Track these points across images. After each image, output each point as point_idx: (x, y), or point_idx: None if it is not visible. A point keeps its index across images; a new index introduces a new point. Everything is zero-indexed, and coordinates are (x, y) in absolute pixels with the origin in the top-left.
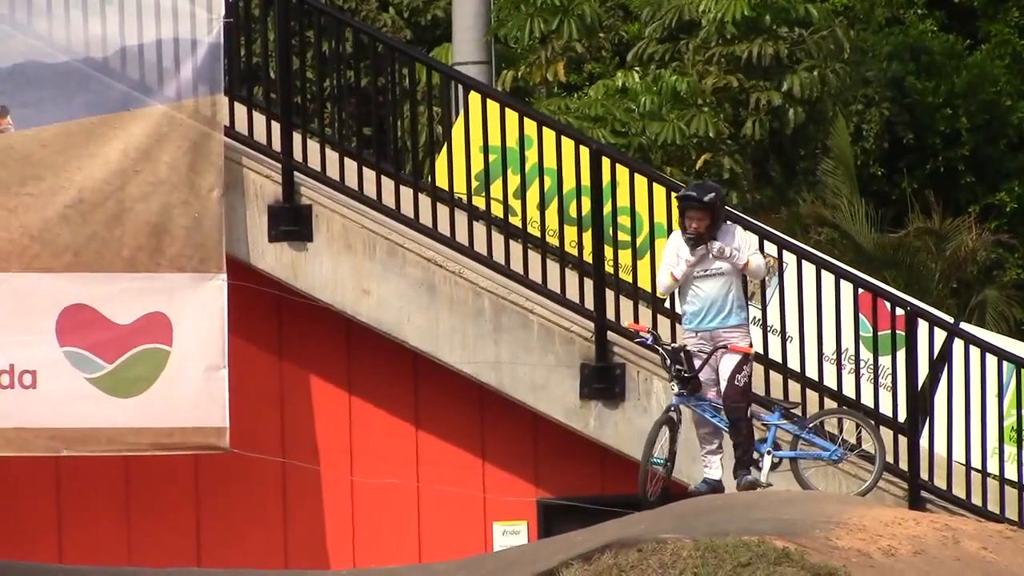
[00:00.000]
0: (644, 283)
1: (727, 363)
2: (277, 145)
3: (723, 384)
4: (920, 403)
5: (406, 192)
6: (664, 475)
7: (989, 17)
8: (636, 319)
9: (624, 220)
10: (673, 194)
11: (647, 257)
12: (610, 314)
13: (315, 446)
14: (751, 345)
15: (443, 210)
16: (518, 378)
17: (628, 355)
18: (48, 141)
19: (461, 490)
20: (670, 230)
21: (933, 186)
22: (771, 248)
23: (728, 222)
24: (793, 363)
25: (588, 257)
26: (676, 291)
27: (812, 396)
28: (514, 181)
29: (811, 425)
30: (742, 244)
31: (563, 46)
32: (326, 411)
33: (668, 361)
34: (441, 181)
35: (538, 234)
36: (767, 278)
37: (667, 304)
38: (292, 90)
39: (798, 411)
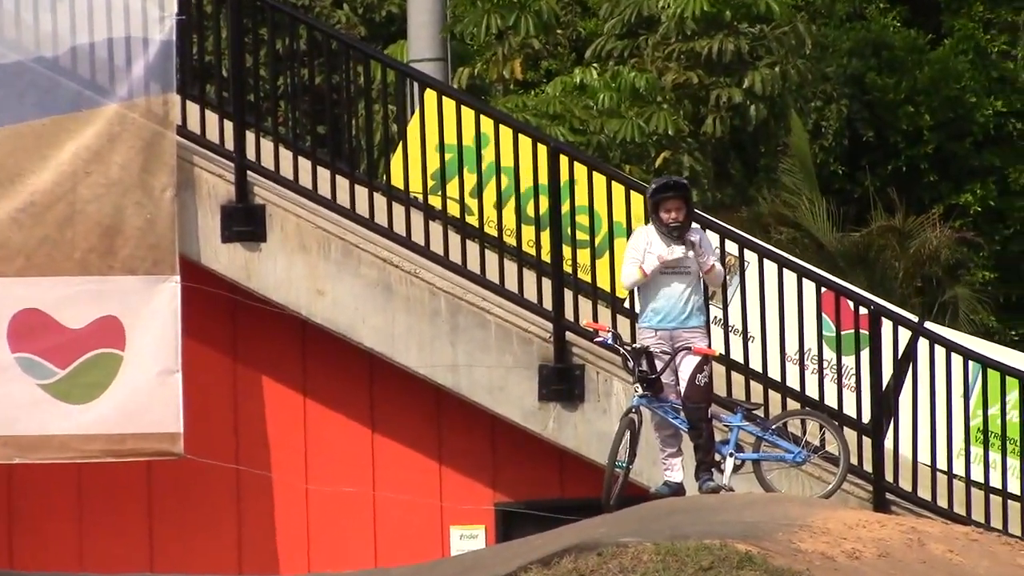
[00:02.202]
0: (603, 283)
1: (687, 364)
2: (230, 144)
3: (683, 385)
4: (885, 404)
5: (361, 191)
6: (624, 477)
7: (953, 11)
8: (595, 319)
9: (582, 219)
10: (648, 187)
11: (606, 256)
12: (569, 314)
13: (269, 450)
14: (711, 346)
15: (399, 209)
16: (475, 380)
17: (587, 356)
18: None
19: (417, 499)
20: (629, 229)
21: (896, 184)
22: (732, 247)
23: (695, 224)
24: (755, 363)
25: (546, 256)
26: (636, 289)
27: (775, 397)
28: (471, 180)
29: (774, 427)
30: (708, 246)
31: (520, 42)
32: (281, 414)
33: (630, 362)
34: (396, 180)
35: (495, 233)
36: (728, 277)
37: (626, 304)
38: (245, 88)
39: (760, 412)
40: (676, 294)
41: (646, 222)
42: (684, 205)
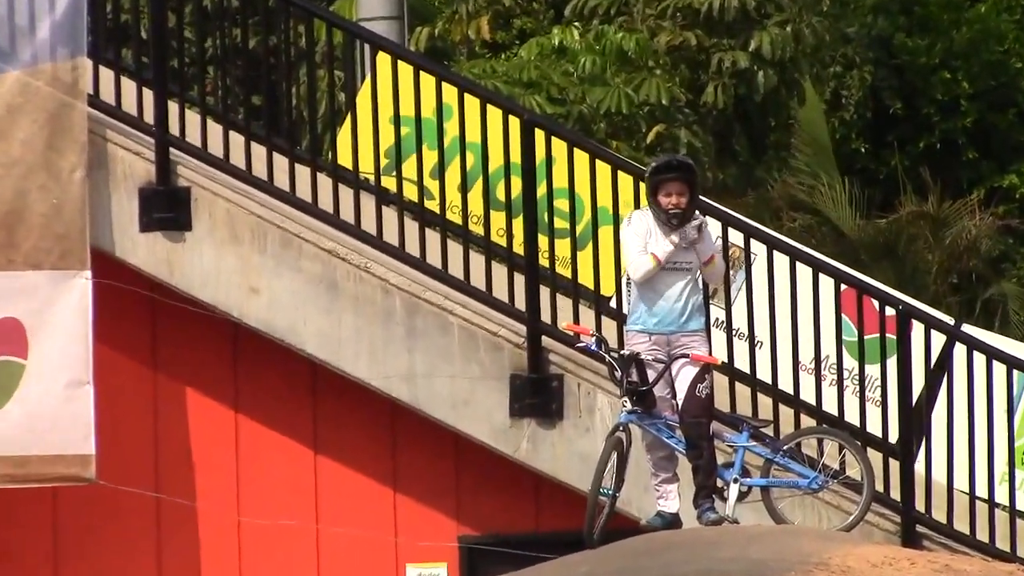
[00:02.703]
0: (586, 278)
1: (685, 374)
2: (150, 117)
3: (680, 398)
4: (915, 420)
5: (303, 172)
6: (610, 507)
7: None
8: (576, 320)
9: (562, 204)
10: (643, 167)
11: (589, 248)
12: (545, 315)
13: (195, 476)
14: (712, 354)
15: (347, 193)
16: (436, 392)
17: (567, 364)
18: None
19: (368, 533)
20: (616, 216)
21: (929, 164)
22: (736, 237)
23: (696, 211)
24: (763, 374)
25: (519, 248)
26: (625, 286)
27: (786, 413)
28: (431, 158)
29: (786, 447)
30: (708, 236)
31: None
32: (208, 434)
33: (618, 371)
34: (344, 159)
35: (459, 221)
36: (732, 272)
37: (613, 303)
38: (168, 52)
39: (770, 431)
40: (675, 294)
41: (636, 206)
42: (688, 190)
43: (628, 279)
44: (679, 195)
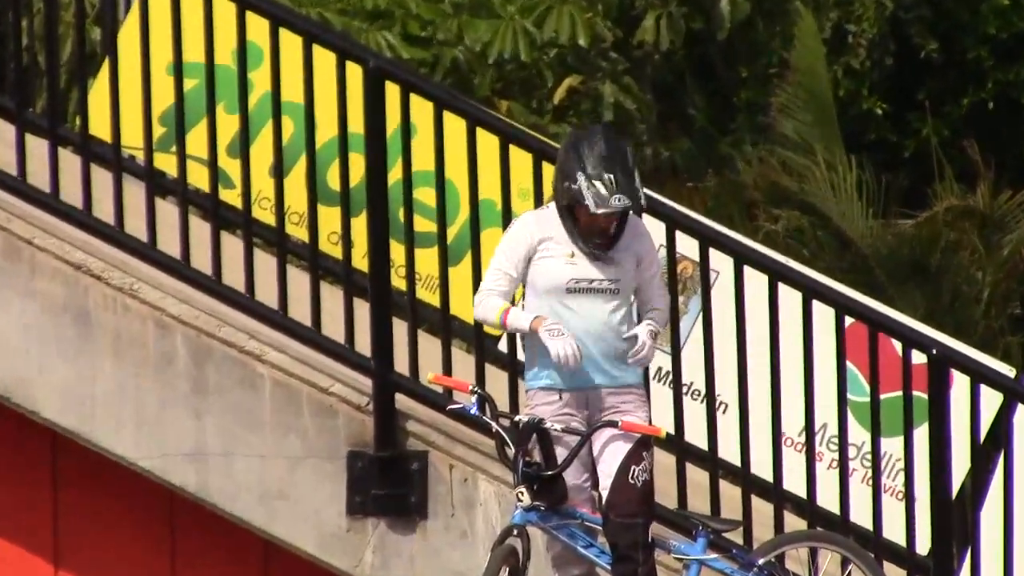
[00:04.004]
0: (463, 307)
1: (615, 450)
2: None
3: (606, 486)
4: (956, 519)
5: (37, 146)
6: None
7: None
8: (448, 371)
9: (426, 195)
10: (567, 136)
11: (467, 261)
12: (401, 363)
13: None
14: (654, 421)
15: (102, 177)
16: (237, 479)
17: (434, 437)
18: None
19: None
20: (507, 214)
21: (978, 134)
22: (689, 245)
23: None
24: (729, 450)
25: (361, 262)
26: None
27: (763, 508)
28: (228, 126)
29: (762, 562)
30: (652, 252)
31: None
32: None
33: (511, 447)
34: (99, 128)
35: (271, 220)
36: (682, 300)
37: (503, 344)
38: None
39: (738, 536)
40: (593, 328)
41: (538, 202)
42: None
43: (523, 307)
44: (607, 220)
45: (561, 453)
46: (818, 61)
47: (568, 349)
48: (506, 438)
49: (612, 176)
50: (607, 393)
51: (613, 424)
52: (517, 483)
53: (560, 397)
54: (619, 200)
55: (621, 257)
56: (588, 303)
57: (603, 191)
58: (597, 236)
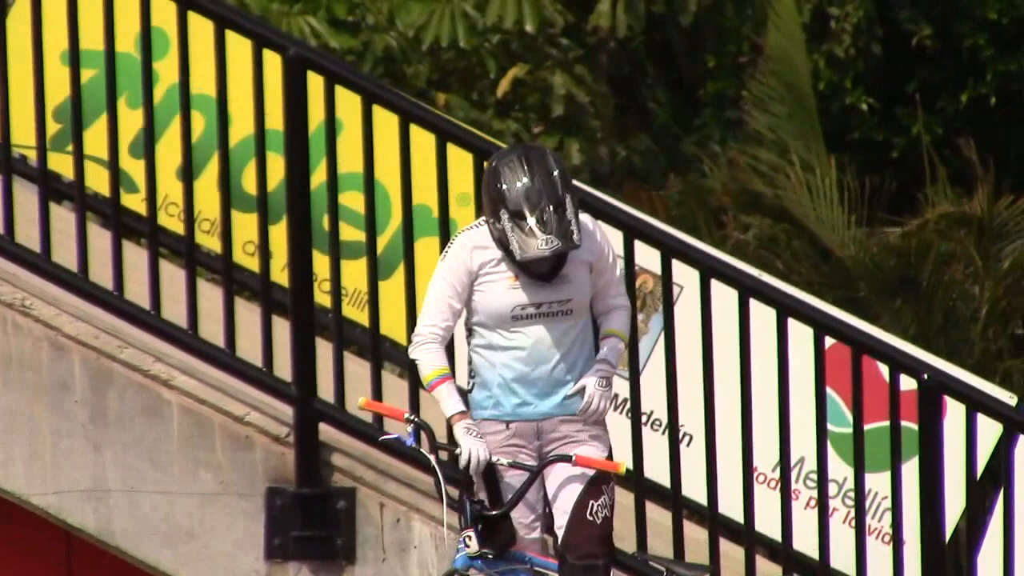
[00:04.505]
0: (394, 326)
1: (570, 488)
2: None
3: (562, 525)
4: (950, 565)
5: None
6: None
7: None
8: (379, 396)
9: (353, 200)
10: (505, 146)
11: (399, 274)
12: (325, 389)
13: None
14: (612, 455)
15: None
16: (141, 519)
17: (362, 472)
18: None
19: None
20: (445, 221)
21: (974, 132)
22: (649, 256)
23: (584, 217)
24: (694, 487)
25: (280, 276)
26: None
27: (732, 553)
28: (131, 121)
29: None
30: (606, 250)
31: None
32: None
33: (449, 484)
34: None
35: (180, 229)
36: (640, 319)
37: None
38: None
39: None
40: (544, 352)
41: (478, 211)
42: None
43: (470, 328)
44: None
45: (505, 490)
46: (796, 48)
47: (475, 455)
48: (442, 475)
49: (539, 215)
50: (560, 421)
51: (568, 458)
52: (465, 525)
53: (507, 428)
54: (547, 243)
55: (570, 271)
56: (536, 328)
57: (527, 237)
58: (536, 268)
